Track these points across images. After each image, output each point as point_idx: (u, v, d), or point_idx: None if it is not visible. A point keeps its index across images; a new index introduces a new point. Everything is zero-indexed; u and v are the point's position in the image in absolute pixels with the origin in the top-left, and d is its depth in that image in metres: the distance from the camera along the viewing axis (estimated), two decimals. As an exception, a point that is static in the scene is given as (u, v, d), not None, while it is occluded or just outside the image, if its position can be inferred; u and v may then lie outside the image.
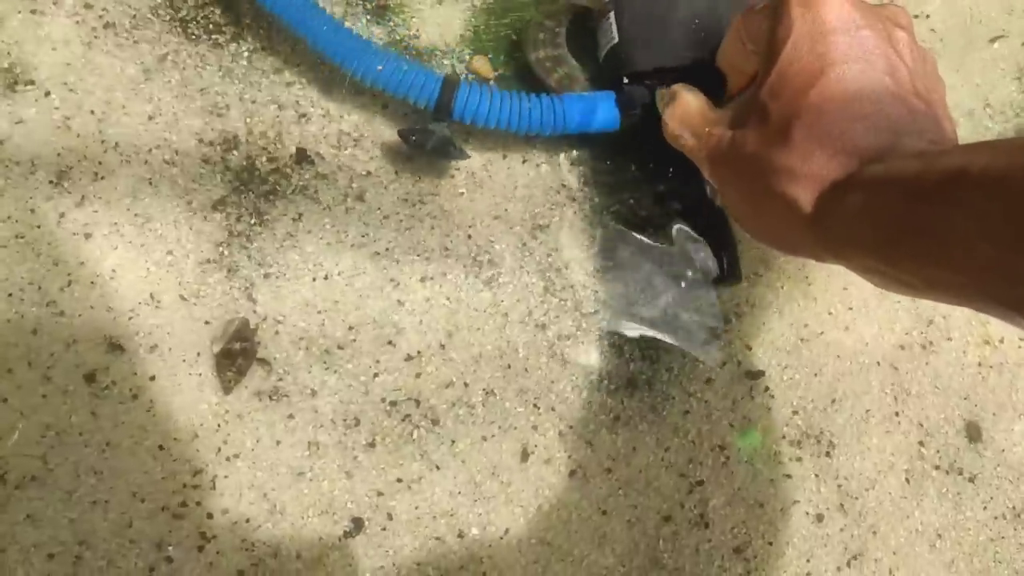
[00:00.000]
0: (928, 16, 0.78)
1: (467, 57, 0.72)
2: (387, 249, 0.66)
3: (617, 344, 0.66)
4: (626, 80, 0.65)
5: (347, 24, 0.67)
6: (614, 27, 0.66)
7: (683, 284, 0.67)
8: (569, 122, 0.65)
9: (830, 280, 0.68)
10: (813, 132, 0.43)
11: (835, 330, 0.67)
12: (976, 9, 0.79)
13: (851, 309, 0.67)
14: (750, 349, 0.66)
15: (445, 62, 0.71)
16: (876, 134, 0.42)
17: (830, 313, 0.67)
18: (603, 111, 0.66)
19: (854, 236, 0.42)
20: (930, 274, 0.38)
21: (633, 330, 0.66)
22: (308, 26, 0.65)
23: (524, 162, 0.69)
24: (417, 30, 0.72)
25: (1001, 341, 0.68)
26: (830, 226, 0.43)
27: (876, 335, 0.67)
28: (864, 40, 0.45)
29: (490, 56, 0.73)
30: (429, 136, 0.66)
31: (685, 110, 0.54)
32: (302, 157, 0.67)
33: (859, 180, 0.41)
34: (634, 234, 0.69)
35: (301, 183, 0.67)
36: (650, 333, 0.67)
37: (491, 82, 0.72)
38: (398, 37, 0.72)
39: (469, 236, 0.67)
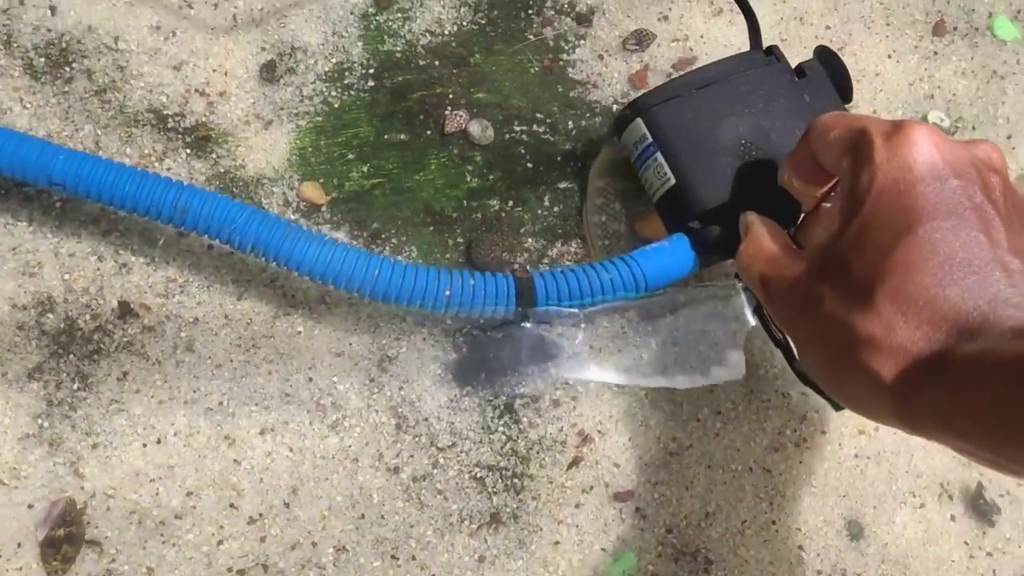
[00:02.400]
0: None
1: (296, 184, 0.68)
2: (221, 403, 0.62)
3: (479, 477, 0.62)
4: (697, 222, 0.62)
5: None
6: (666, 168, 0.62)
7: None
8: (652, 281, 0.62)
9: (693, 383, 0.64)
10: (899, 299, 0.40)
11: (705, 438, 0.63)
12: None
13: (719, 413, 0.63)
14: (618, 467, 0.62)
15: (275, 190, 0.67)
16: (969, 302, 0.39)
17: (698, 420, 0.63)
18: (683, 260, 0.63)
19: (946, 421, 0.38)
20: None
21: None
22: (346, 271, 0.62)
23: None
24: (243, 159, 0.68)
25: (876, 429, 0.65)
26: (919, 408, 0.39)
27: (747, 438, 0.64)
28: (955, 192, 0.41)
29: (321, 180, 0.68)
30: (520, 340, 0.64)
31: (759, 247, 0.51)
32: (125, 310, 0.63)
33: (952, 361, 0.38)
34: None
35: (126, 339, 0.62)
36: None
37: (323, 208, 0.67)
38: (222, 169, 0.68)
39: (310, 379, 0.63)
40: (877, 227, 0.41)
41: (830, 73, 0.66)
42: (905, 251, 0.40)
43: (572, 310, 0.61)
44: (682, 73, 0.65)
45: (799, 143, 0.50)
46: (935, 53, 0.78)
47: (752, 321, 0.63)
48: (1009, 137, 0.76)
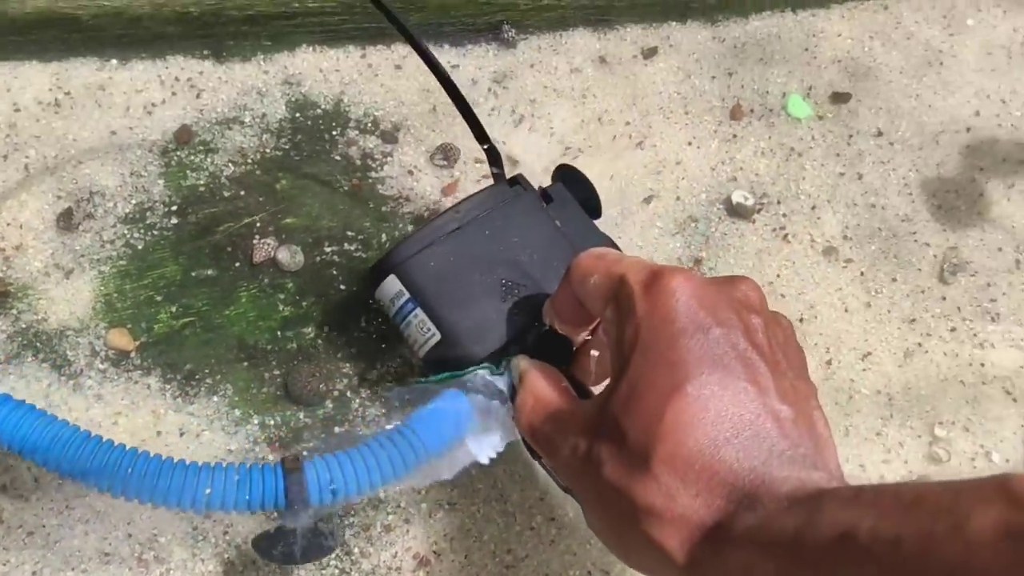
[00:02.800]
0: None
1: (103, 332, 0.66)
2: (35, 573, 0.59)
3: (314, 619, 0.60)
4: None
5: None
6: (428, 323, 0.60)
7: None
8: (433, 448, 0.57)
9: (525, 493, 0.64)
10: (675, 464, 0.38)
11: (540, 547, 0.63)
12: (627, 175, 0.81)
13: (553, 519, 0.63)
14: (456, 589, 0.61)
15: (80, 341, 0.65)
16: (744, 463, 0.38)
17: (532, 528, 0.63)
18: (464, 418, 0.58)
19: None
20: None
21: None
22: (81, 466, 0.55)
23: (182, 434, 0.63)
24: (44, 313, 0.66)
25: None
26: None
27: (582, 541, 0.64)
28: (719, 342, 0.41)
29: (129, 326, 0.67)
30: (292, 539, 0.57)
31: (536, 399, 0.49)
32: (-75, 487, 0.60)
33: (734, 535, 0.37)
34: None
35: (-72, 517, 0.59)
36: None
37: (132, 354, 0.66)
38: (24, 325, 0.66)
39: (129, 535, 0.61)
40: (645, 387, 0.40)
41: (574, 192, 0.66)
42: (675, 412, 0.39)
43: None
44: (431, 219, 0.64)
45: (560, 286, 0.50)
46: (734, 136, 0.81)
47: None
48: (813, 208, 0.78)
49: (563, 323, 0.52)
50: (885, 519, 0.32)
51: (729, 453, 0.38)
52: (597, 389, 0.57)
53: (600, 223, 0.69)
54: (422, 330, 0.61)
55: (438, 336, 0.61)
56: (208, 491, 0.55)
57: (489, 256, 0.62)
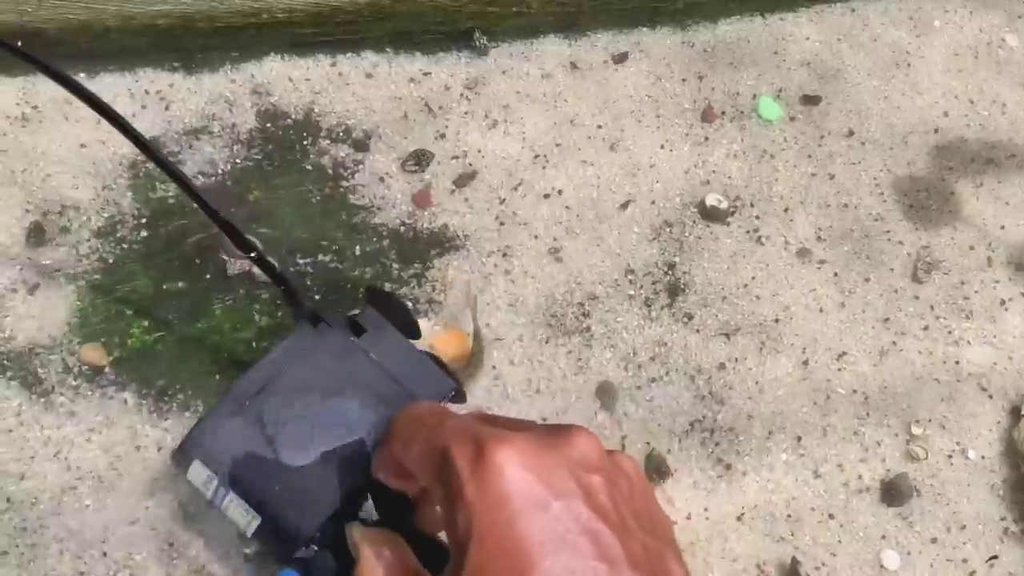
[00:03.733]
0: (561, 192, 0.76)
1: (77, 348, 0.65)
2: (9, 596, 0.58)
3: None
4: (301, 554, 0.51)
5: None
6: (244, 505, 0.51)
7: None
8: None
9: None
10: None
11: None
12: (601, 179, 0.79)
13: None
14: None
15: (52, 358, 0.65)
16: None
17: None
18: None
19: None
20: None
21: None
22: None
23: (159, 449, 0.62)
24: (11, 331, 0.65)
25: (688, 518, 0.66)
26: None
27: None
28: (560, 518, 0.36)
29: (103, 340, 0.66)
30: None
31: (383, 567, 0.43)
32: None
33: None
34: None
35: None
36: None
37: (106, 370, 0.65)
38: (-9, 344, 0.64)
39: (104, 553, 0.60)
40: None
41: (387, 316, 0.58)
42: None
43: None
44: (229, 386, 0.55)
45: (381, 445, 0.45)
46: (706, 139, 0.81)
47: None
48: (786, 210, 0.78)
49: (394, 481, 0.46)
50: None
51: None
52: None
53: (578, 226, 0.68)
54: (241, 513, 0.52)
55: (258, 519, 0.52)
56: None
57: (299, 416, 0.53)
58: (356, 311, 0.56)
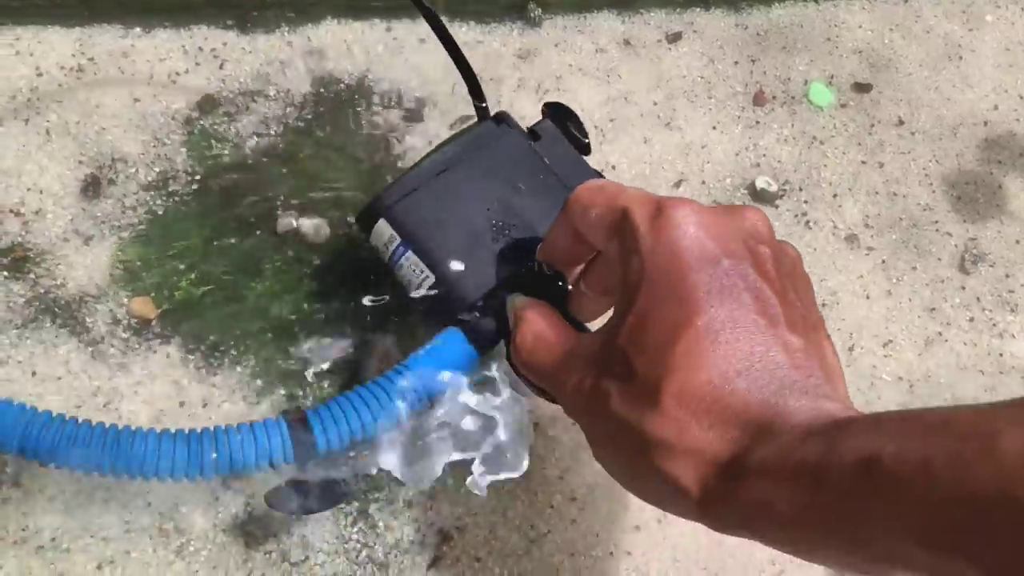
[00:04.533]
0: (615, 167, 0.75)
1: (125, 300, 0.65)
2: (53, 540, 0.58)
3: (338, 591, 0.59)
4: (465, 316, 0.58)
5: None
6: (421, 264, 0.59)
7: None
8: (436, 386, 0.58)
9: (545, 472, 0.63)
10: (686, 397, 0.37)
11: (561, 525, 0.62)
12: (654, 156, 0.79)
13: (574, 499, 0.63)
14: (479, 562, 0.61)
15: (99, 307, 0.64)
16: (756, 395, 0.37)
17: (552, 506, 0.62)
18: (461, 357, 0.59)
19: (754, 526, 0.36)
20: (846, 562, 0.34)
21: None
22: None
23: (204, 405, 0.62)
24: (63, 278, 0.64)
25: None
26: (723, 513, 0.37)
27: (606, 520, 0.63)
28: (728, 275, 0.39)
29: (152, 294, 0.66)
30: (306, 493, 0.58)
31: (536, 336, 0.49)
32: (-57, 450, 0.59)
33: (750, 468, 0.36)
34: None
35: (-56, 480, 0.58)
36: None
37: (153, 323, 0.65)
38: (42, 290, 0.65)
39: (149, 503, 0.60)
40: (653, 321, 0.39)
41: (562, 129, 0.65)
42: (685, 345, 0.38)
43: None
44: (417, 161, 0.63)
45: (557, 220, 0.49)
46: (757, 122, 0.81)
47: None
48: (835, 196, 0.78)
49: (559, 259, 0.51)
50: (911, 443, 0.31)
51: (741, 385, 0.37)
52: (592, 326, 0.56)
53: None
54: (415, 272, 0.61)
55: (432, 278, 0.60)
56: (214, 455, 0.55)
57: (477, 197, 0.61)
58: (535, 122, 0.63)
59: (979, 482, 0.28)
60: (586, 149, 0.66)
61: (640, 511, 0.67)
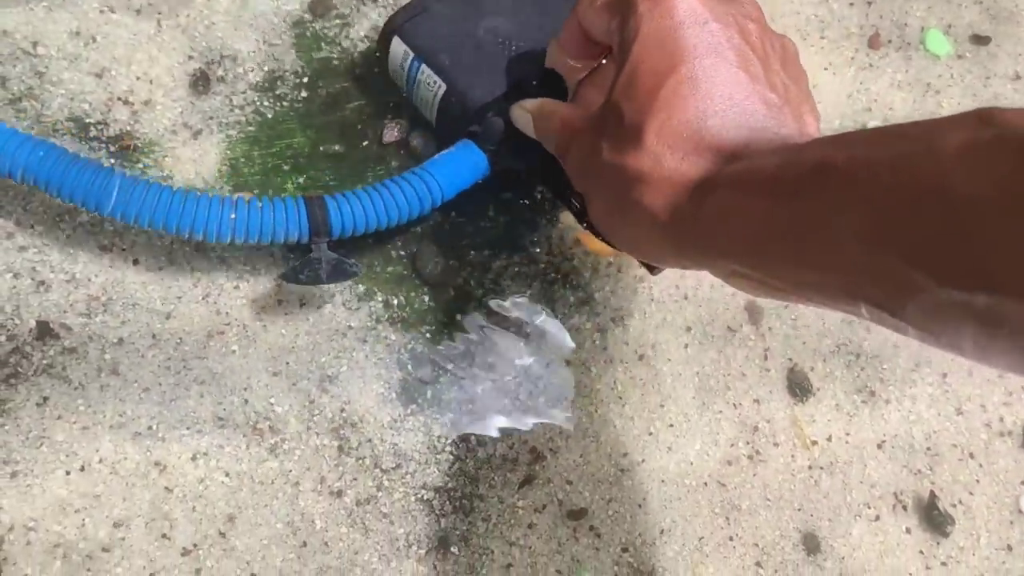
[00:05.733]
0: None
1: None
2: (150, 428, 0.58)
3: (426, 499, 0.59)
4: (477, 125, 0.63)
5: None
6: (434, 76, 0.63)
7: (534, 365, 0.66)
8: (447, 189, 0.62)
9: (645, 398, 0.62)
10: (664, 133, 0.42)
11: (657, 453, 0.61)
12: None
13: (671, 426, 0.61)
14: (570, 485, 0.59)
15: (205, 203, 0.63)
16: (731, 131, 0.41)
17: (650, 433, 0.61)
18: (472, 163, 0.63)
19: (715, 241, 0.40)
20: (798, 276, 0.37)
21: (489, 428, 0.65)
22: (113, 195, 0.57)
23: (303, 305, 0.61)
24: (170, 170, 0.64)
25: (829, 439, 0.64)
26: (688, 231, 0.41)
27: (700, 452, 0.62)
28: (714, 33, 0.43)
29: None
30: (318, 266, 0.61)
31: (552, 111, 0.54)
32: (44, 331, 0.59)
33: (715, 181, 0.39)
34: (455, 344, 0.62)
35: (45, 361, 0.58)
36: (509, 425, 0.64)
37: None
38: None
39: (246, 400, 0.59)
40: (644, 72, 0.43)
41: None
42: (669, 89, 0.42)
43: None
44: None
45: (568, 19, 0.52)
46: (871, 65, 0.78)
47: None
48: (945, 148, 0.75)
49: (570, 55, 0.55)
50: (864, 149, 0.33)
51: (716, 123, 0.41)
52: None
53: None
54: (429, 86, 0.65)
55: (444, 87, 0.64)
56: (233, 216, 0.58)
57: (487, 15, 0.65)
58: None
59: (920, 179, 0.31)
60: None
61: (734, 444, 0.66)
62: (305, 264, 0.58)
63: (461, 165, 0.62)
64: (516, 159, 0.63)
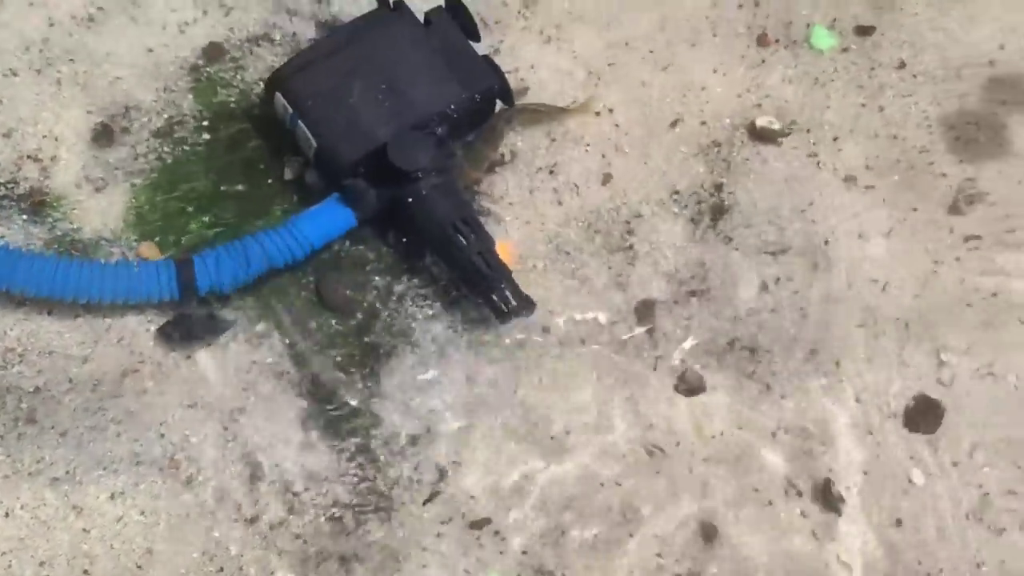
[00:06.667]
0: (612, 110, 0.77)
1: (135, 244, 0.68)
2: (68, 472, 0.62)
3: (337, 516, 0.63)
4: (349, 178, 0.67)
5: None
6: (308, 134, 0.68)
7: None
8: (315, 240, 0.68)
9: (545, 405, 0.66)
10: None
11: (551, 457, 0.65)
12: (652, 96, 0.81)
13: (569, 433, 0.65)
14: (474, 498, 0.64)
15: (114, 251, 0.68)
16: None
17: (552, 438, 0.65)
18: (338, 217, 0.69)
19: None
20: None
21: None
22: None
23: (209, 342, 0.65)
24: (79, 223, 0.68)
25: (722, 434, 0.68)
26: None
27: (598, 454, 0.66)
28: None
29: (157, 239, 0.68)
30: (190, 323, 0.66)
31: None
32: (-36, 386, 0.62)
33: None
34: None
35: (-34, 415, 0.61)
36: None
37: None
38: (59, 233, 0.68)
39: (162, 435, 0.63)
40: None
41: (455, 17, 0.72)
42: None
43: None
44: (314, 40, 0.74)
45: None
46: (763, 62, 0.82)
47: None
48: (835, 139, 0.80)
49: None
50: None
51: None
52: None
53: (627, 143, 0.75)
54: (306, 139, 0.70)
55: (315, 144, 0.69)
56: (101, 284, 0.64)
57: (366, 73, 0.70)
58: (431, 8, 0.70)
59: None
60: (475, 36, 0.73)
61: (632, 446, 0.69)
62: (178, 322, 0.61)
63: (328, 220, 0.68)
64: (383, 212, 0.68)
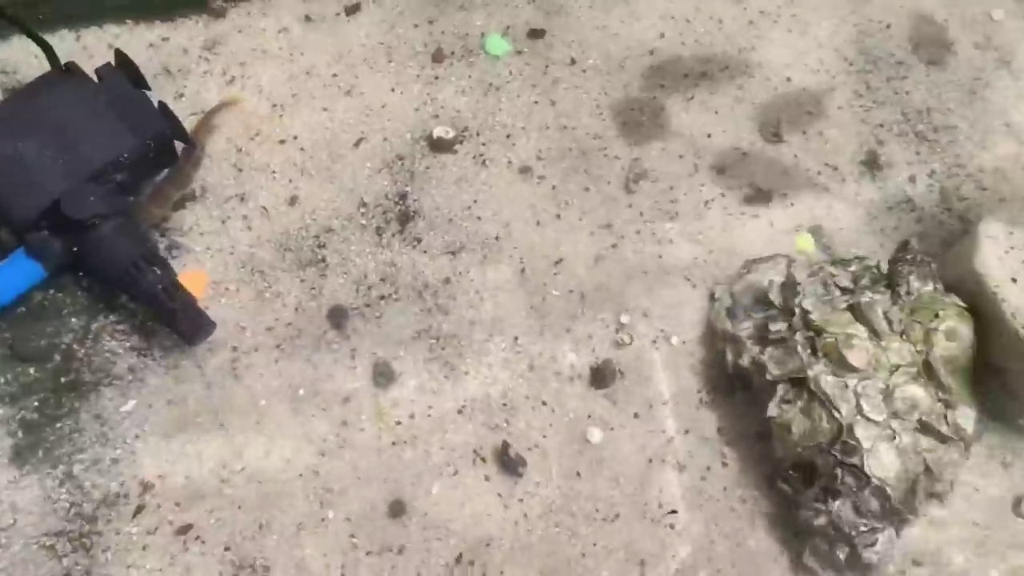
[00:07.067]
0: (296, 137, 0.84)
1: None
2: None
3: (48, 545, 0.69)
4: (33, 236, 0.72)
5: None
6: None
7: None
8: (3, 297, 0.72)
9: (245, 416, 0.74)
10: None
11: (254, 460, 0.71)
12: (335, 122, 0.89)
13: (265, 437, 0.72)
14: (178, 506, 0.70)
15: None
16: None
17: (248, 446, 0.71)
18: (24, 272, 0.74)
19: None
20: None
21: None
22: None
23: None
24: None
25: (412, 416, 0.75)
26: None
27: (295, 450, 0.72)
28: None
29: None
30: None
31: None
32: None
33: None
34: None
35: None
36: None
37: None
38: None
39: None
40: None
41: (123, 70, 0.79)
42: None
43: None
44: None
45: None
46: (436, 78, 0.90)
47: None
48: (508, 136, 0.88)
49: None
50: None
51: None
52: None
53: (313, 166, 0.86)
54: None
55: None
56: None
57: (36, 135, 0.75)
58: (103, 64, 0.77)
59: None
60: (144, 85, 0.81)
61: (325, 440, 0.76)
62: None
63: (12, 276, 0.74)
64: (72, 261, 0.75)
